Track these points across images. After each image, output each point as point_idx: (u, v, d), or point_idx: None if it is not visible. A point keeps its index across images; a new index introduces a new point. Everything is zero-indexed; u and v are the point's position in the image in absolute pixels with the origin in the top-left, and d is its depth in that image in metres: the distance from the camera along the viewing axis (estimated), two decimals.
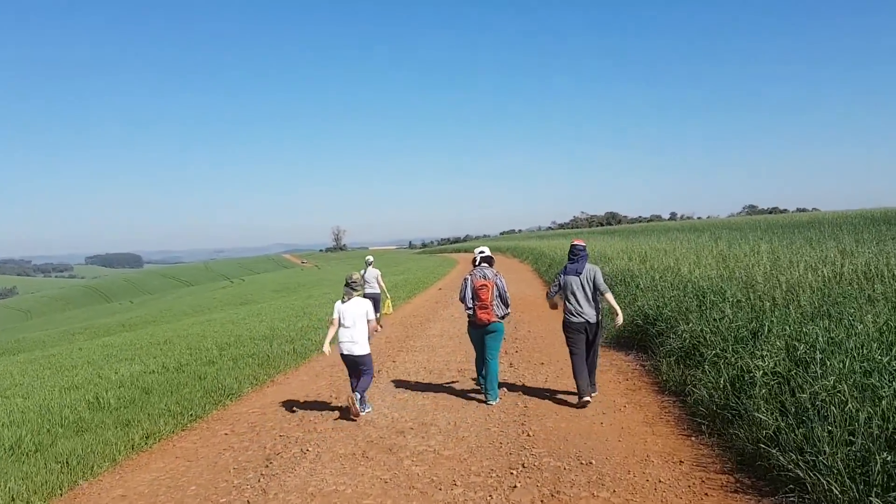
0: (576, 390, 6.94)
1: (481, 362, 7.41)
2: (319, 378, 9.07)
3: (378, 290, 13.00)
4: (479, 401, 7.25)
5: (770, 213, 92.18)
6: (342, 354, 6.95)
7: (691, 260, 13.74)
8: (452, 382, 8.31)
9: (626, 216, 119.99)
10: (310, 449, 5.93)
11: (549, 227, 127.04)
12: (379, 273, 13.24)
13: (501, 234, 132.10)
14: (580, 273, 6.92)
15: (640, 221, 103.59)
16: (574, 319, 6.93)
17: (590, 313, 6.90)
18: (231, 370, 9.48)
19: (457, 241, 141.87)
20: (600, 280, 6.90)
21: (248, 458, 5.86)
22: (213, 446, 6.28)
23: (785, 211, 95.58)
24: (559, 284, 7.08)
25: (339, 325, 6.94)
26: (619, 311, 6.89)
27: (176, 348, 12.37)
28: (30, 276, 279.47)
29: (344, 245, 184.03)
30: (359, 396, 6.84)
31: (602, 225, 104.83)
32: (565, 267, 7.11)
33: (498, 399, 7.24)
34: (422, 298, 19.81)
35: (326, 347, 6.96)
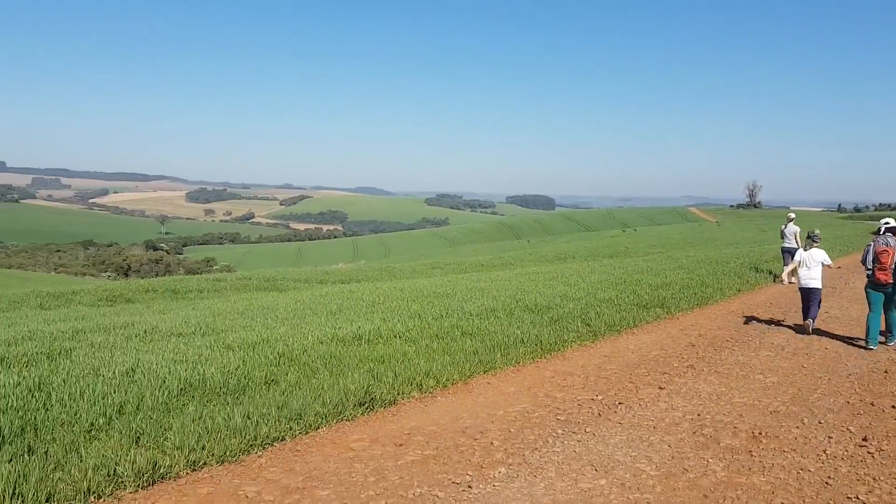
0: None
1: (874, 317, 8.35)
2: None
3: (796, 245, 14.84)
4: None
5: None
6: (801, 288, 9.34)
7: None
8: None
9: None
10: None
11: None
12: (798, 230, 15.49)
13: None
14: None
15: None
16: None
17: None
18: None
19: None
20: None
21: None
22: None
23: None
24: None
25: (802, 266, 9.27)
26: None
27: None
28: (460, 210, 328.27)
29: (759, 202, 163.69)
30: (811, 322, 9.16)
31: None
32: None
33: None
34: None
35: (785, 278, 10.30)
